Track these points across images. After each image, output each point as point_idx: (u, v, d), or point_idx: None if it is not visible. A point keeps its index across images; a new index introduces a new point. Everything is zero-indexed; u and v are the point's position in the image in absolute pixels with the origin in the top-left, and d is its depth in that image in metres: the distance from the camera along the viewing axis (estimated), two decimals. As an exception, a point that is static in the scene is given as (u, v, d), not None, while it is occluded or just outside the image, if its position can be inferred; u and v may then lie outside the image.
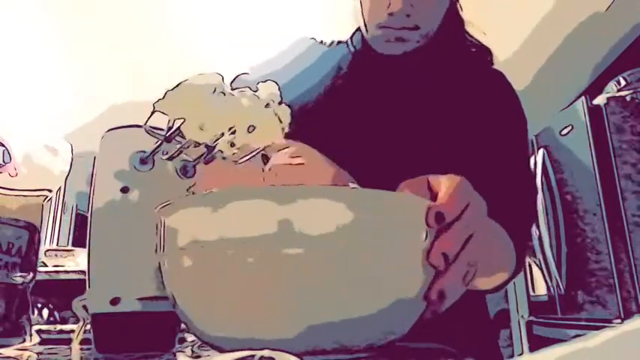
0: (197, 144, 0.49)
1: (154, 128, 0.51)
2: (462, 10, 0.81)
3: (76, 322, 0.51)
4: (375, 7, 0.74)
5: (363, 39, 0.82)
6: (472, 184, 0.44)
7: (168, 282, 0.41)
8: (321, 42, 0.90)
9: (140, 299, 0.48)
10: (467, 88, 0.77)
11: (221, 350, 0.38)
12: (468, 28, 0.83)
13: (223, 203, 0.36)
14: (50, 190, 0.55)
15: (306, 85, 0.82)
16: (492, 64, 0.83)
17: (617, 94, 2.09)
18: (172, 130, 0.48)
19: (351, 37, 0.87)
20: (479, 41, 0.83)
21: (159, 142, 0.50)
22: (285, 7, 2.45)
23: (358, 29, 0.85)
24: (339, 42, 0.89)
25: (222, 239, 0.35)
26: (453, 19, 0.80)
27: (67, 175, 0.57)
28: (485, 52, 0.84)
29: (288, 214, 0.34)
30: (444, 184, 0.42)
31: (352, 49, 0.85)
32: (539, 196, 2.32)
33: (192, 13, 2.50)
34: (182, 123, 0.47)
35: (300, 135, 0.71)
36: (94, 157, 0.52)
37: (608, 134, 1.99)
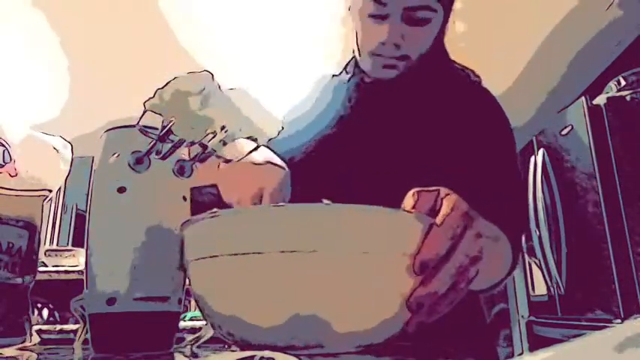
0: (191, 143, 0.49)
1: (150, 128, 0.51)
2: (446, 41, 0.87)
3: (76, 322, 0.51)
4: (368, 36, 0.80)
5: (356, 65, 0.90)
6: (466, 193, 0.47)
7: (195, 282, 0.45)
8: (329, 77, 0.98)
9: (137, 299, 0.48)
10: (455, 106, 0.83)
11: (244, 347, 0.41)
12: (451, 55, 0.90)
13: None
14: (50, 190, 0.55)
15: (305, 113, 0.91)
16: (478, 82, 0.89)
17: (617, 94, 2.09)
18: (165, 129, 0.48)
19: (345, 67, 0.94)
20: (462, 65, 0.90)
21: (153, 142, 0.50)
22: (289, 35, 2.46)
23: (352, 59, 0.92)
24: (334, 75, 0.97)
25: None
26: (438, 48, 0.86)
27: (67, 175, 0.57)
28: (470, 74, 0.90)
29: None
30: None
31: (346, 77, 0.92)
32: (539, 195, 2.32)
33: (194, 14, 2.50)
34: (173, 122, 0.47)
35: (301, 155, 0.76)
36: (92, 158, 0.52)
37: (608, 134, 1.99)
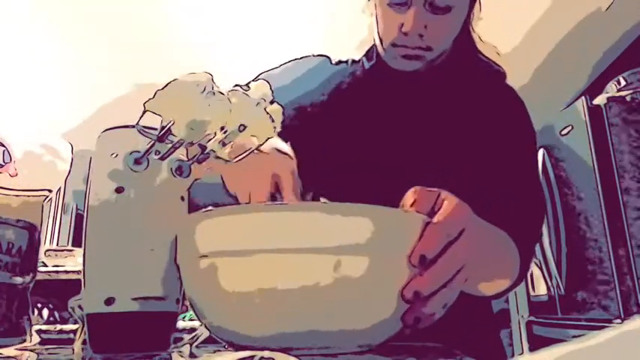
0: (190, 143, 0.50)
1: (148, 128, 0.51)
2: (474, 30, 0.83)
3: (76, 322, 0.51)
4: (389, 26, 0.76)
5: (377, 54, 0.85)
6: (482, 199, 0.46)
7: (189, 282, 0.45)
8: (338, 61, 0.93)
9: (135, 299, 0.48)
10: (478, 105, 0.80)
11: (236, 347, 0.41)
12: (480, 47, 0.85)
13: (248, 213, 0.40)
14: (50, 190, 0.55)
15: (317, 97, 0.85)
16: (504, 80, 0.85)
17: (617, 94, 2.09)
18: (164, 129, 0.48)
19: (366, 53, 0.90)
20: (490, 59, 0.85)
21: (152, 142, 0.50)
22: (294, 25, 2.46)
23: (374, 45, 0.87)
24: (354, 61, 0.92)
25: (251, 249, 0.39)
26: (465, 39, 0.82)
27: (67, 175, 0.57)
28: (496, 70, 0.85)
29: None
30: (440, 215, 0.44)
31: (367, 64, 0.88)
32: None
33: (193, 12, 2.50)
34: (172, 123, 0.47)
35: (311, 144, 0.74)
36: (90, 158, 0.52)
37: (608, 134, 1.99)
